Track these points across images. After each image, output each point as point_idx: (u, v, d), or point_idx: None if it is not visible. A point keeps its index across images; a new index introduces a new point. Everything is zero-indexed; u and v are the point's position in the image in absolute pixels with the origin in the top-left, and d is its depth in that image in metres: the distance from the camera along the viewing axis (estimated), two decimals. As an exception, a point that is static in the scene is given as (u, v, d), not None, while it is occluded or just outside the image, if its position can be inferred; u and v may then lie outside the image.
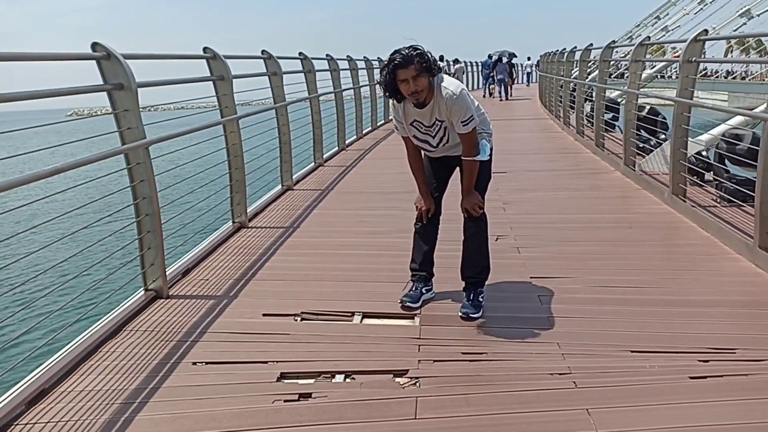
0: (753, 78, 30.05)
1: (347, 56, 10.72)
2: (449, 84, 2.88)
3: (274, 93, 6.22)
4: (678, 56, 5.57)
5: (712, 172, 5.86)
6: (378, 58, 13.47)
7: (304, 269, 3.88)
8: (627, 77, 7.32)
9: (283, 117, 6.30)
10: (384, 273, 3.70)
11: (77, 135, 4.00)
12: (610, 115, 9.63)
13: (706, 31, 4.98)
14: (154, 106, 4.53)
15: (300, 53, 7.76)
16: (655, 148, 7.06)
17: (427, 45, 2.88)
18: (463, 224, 3.17)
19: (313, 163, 7.82)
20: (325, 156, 8.24)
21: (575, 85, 10.79)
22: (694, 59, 4.97)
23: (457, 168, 3.17)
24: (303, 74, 7.74)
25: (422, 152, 3.17)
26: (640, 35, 25.66)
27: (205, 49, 4.72)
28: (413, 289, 3.27)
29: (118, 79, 3.25)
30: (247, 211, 4.99)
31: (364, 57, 12.21)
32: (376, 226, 4.92)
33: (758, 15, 15.71)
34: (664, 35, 20.80)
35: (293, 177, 6.53)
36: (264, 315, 3.14)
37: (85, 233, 3.52)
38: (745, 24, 16.08)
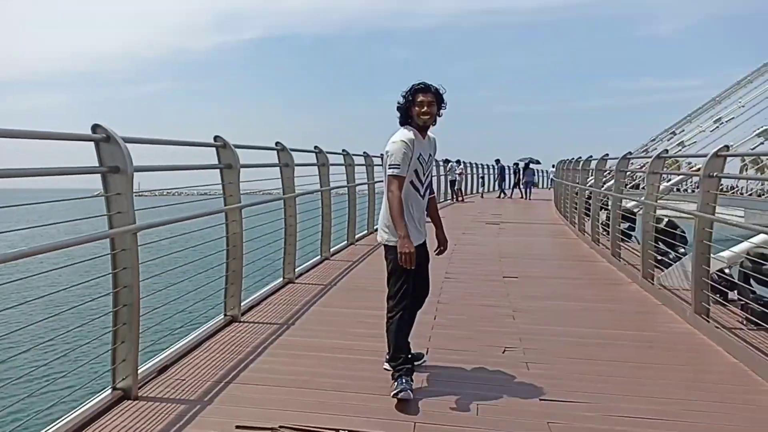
0: (769, 195, 29.90)
1: (364, 152, 10.82)
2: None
3: (284, 184, 6.15)
4: (695, 170, 5.44)
5: (736, 292, 5.55)
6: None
7: (291, 373, 3.56)
8: (642, 188, 7.19)
9: (290, 208, 6.18)
10: (375, 383, 3.37)
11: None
12: (626, 225, 9.44)
13: (727, 147, 4.85)
14: (149, 191, 4.42)
15: (315, 147, 7.80)
16: (675, 262, 6.78)
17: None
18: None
19: (319, 256, 7.62)
20: (332, 249, 8.06)
21: (590, 193, 10.71)
22: (715, 174, 4.81)
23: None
24: (317, 167, 7.72)
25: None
26: (656, 149, 26.07)
27: (215, 138, 4.68)
28: (405, 381, 3.19)
29: (115, 161, 3.14)
30: (242, 304, 4.74)
31: (381, 154, 12.34)
32: (375, 328, 4.58)
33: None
34: (679, 150, 21.05)
35: (296, 270, 6.31)
36: (237, 427, 2.80)
37: (56, 321, 3.27)
38: (762, 143, 16.22)
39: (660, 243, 7.27)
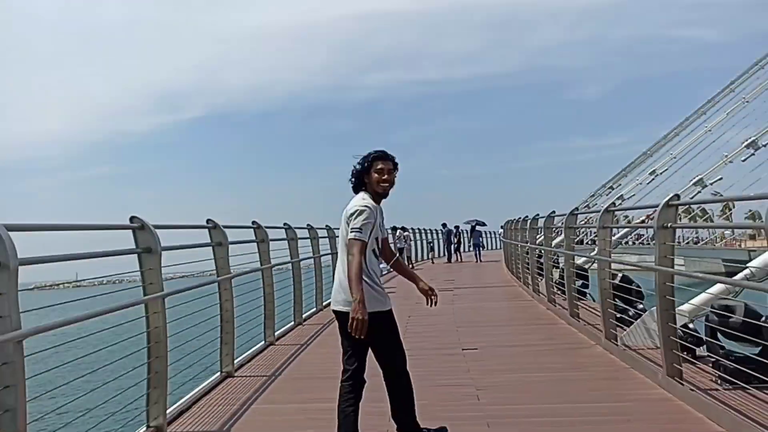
0: (705, 243, 30.96)
1: (307, 225, 10.40)
2: None
3: (218, 265, 5.61)
4: (643, 221, 5.27)
5: (704, 347, 5.29)
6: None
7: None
8: (586, 243, 7.02)
9: (226, 291, 5.62)
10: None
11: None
12: (580, 282, 9.24)
13: (677, 195, 4.70)
14: (33, 286, 3.83)
15: (253, 222, 7.32)
16: (635, 319, 6.53)
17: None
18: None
19: (263, 342, 6.99)
20: (278, 333, 7.44)
21: (541, 252, 10.55)
22: (669, 225, 4.62)
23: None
24: (255, 244, 7.22)
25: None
26: (596, 204, 26.80)
27: (132, 219, 4.18)
28: None
29: (-7, 256, 2.61)
30: (168, 410, 4.09)
31: (326, 226, 11.95)
32: (322, 426, 4.03)
33: (711, 184, 16.58)
34: (620, 203, 21.60)
35: (235, 361, 5.68)
36: None
37: None
38: (699, 192, 16.88)
39: (617, 300, 7.05)
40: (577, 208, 8.48)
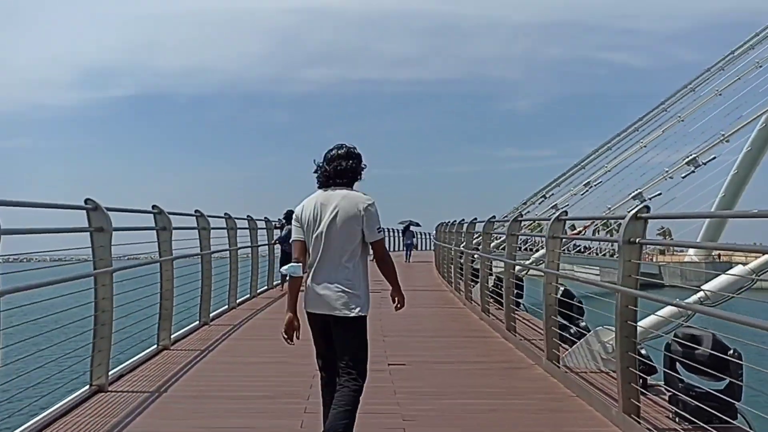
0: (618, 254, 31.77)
1: (225, 214, 9.35)
2: None
3: (96, 255, 4.53)
4: (580, 232, 4.66)
5: (655, 376, 4.76)
6: (265, 217, 12.32)
7: None
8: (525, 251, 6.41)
9: (105, 288, 4.55)
10: None
11: None
12: (515, 291, 8.73)
13: (648, 207, 4.09)
14: None
15: (153, 206, 6.22)
16: (577, 337, 5.98)
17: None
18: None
19: (155, 346, 5.92)
20: (175, 335, 6.38)
21: (477, 258, 9.96)
22: (638, 240, 3.98)
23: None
24: (155, 232, 6.13)
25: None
26: (529, 212, 26.86)
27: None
28: None
29: None
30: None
31: (248, 216, 10.91)
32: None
33: (650, 198, 16.71)
34: (554, 212, 21.62)
35: (111, 371, 4.62)
36: None
37: None
38: (638, 206, 16.96)
39: (558, 316, 6.50)
40: (521, 214, 7.89)
